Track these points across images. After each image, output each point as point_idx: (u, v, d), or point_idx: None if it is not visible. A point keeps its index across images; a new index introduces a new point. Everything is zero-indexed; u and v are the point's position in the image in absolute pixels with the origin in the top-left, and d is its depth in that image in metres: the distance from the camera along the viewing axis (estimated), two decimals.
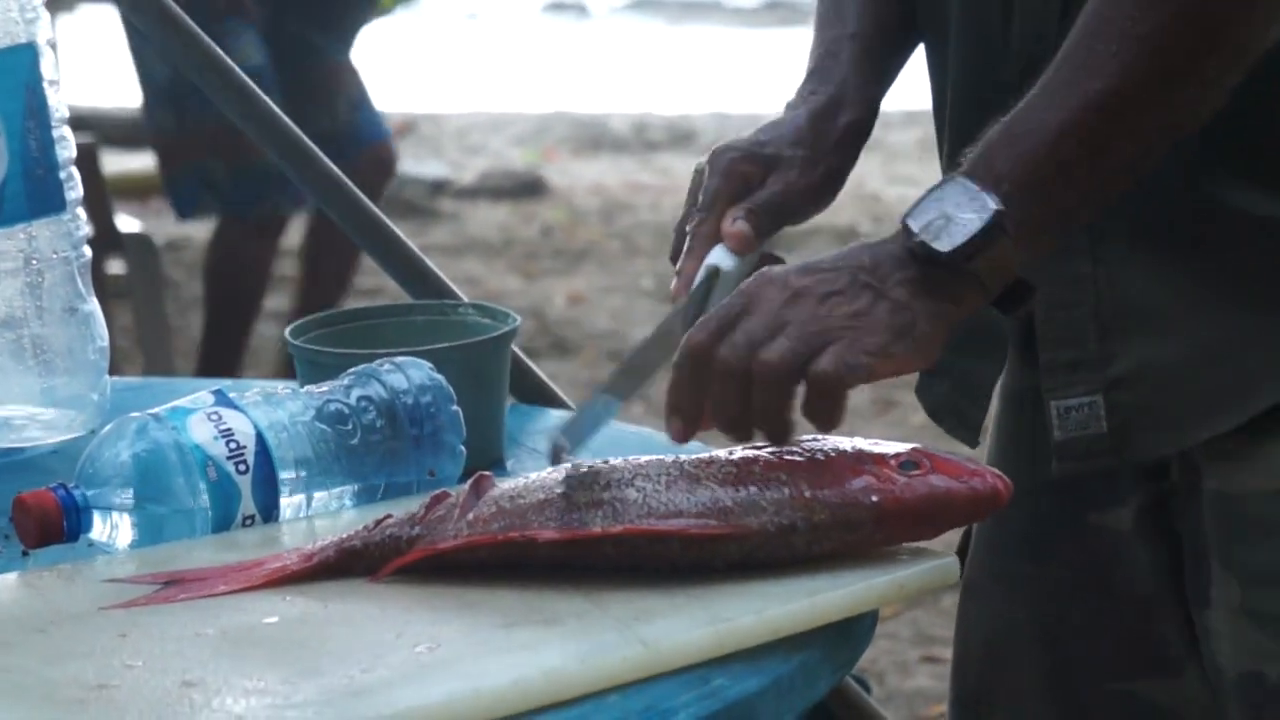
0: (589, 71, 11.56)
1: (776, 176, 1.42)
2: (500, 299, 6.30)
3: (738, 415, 1.24)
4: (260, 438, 1.32)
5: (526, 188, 7.99)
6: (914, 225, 1.27)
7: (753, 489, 1.21)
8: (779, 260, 1.42)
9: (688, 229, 1.42)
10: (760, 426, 1.24)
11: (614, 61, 11.93)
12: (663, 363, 1.34)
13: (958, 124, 1.47)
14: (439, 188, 7.98)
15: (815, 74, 1.49)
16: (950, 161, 1.46)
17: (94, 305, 1.58)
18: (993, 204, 1.25)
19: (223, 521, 1.31)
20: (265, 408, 1.34)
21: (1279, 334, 1.39)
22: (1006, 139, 1.28)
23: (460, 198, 7.92)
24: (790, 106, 1.48)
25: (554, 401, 1.76)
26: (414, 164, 8.07)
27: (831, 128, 1.46)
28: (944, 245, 1.25)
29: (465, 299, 1.67)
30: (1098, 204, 1.32)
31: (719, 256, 1.38)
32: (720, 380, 1.24)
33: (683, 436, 1.25)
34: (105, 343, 1.59)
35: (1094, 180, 1.30)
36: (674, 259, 1.43)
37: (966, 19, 1.46)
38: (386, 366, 1.38)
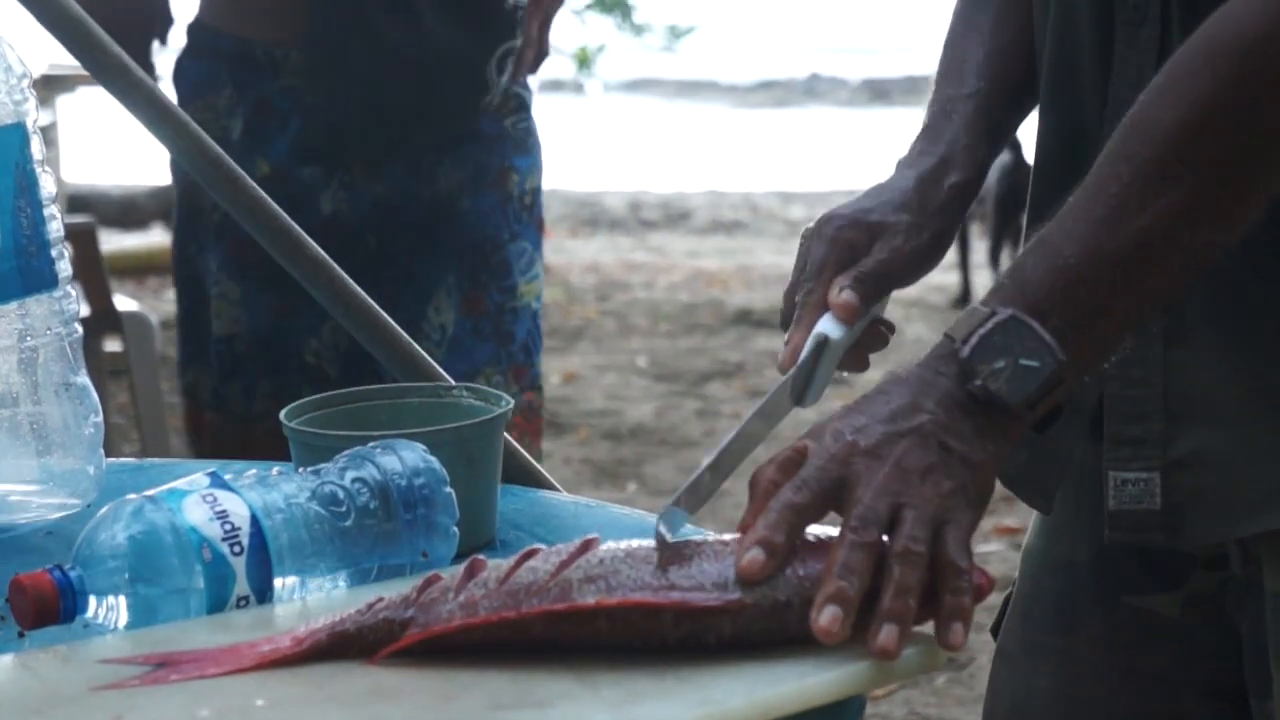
0: (586, 149, 11.60)
1: (882, 243, 1.44)
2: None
3: (864, 588, 1.19)
4: (255, 520, 1.33)
5: None
6: (977, 367, 1.25)
7: None
8: (890, 326, 1.46)
9: (797, 299, 1.44)
10: (896, 601, 1.19)
11: (610, 139, 11.97)
12: (767, 433, 1.37)
13: (1043, 183, 1.49)
14: None
15: (927, 132, 1.51)
16: (1033, 216, 1.49)
17: (87, 381, 1.60)
18: (1058, 353, 1.25)
19: (217, 602, 1.31)
20: (260, 490, 1.35)
21: None
22: (1050, 272, 1.27)
23: None
24: (900, 165, 1.50)
25: (541, 483, 1.77)
26: None
27: (938, 191, 1.47)
28: (1012, 397, 1.25)
29: (453, 382, 1.69)
30: (1137, 330, 1.33)
31: (827, 325, 1.41)
32: (858, 550, 1.20)
33: (760, 573, 1.20)
34: (99, 418, 1.60)
35: (1134, 312, 1.30)
36: (784, 326, 1.45)
37: (1058, 90, 1.48)
38: (380, 449, 1.39)
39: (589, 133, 12.13)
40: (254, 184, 1.91)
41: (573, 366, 6.61)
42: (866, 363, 1.48)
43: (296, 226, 1.90)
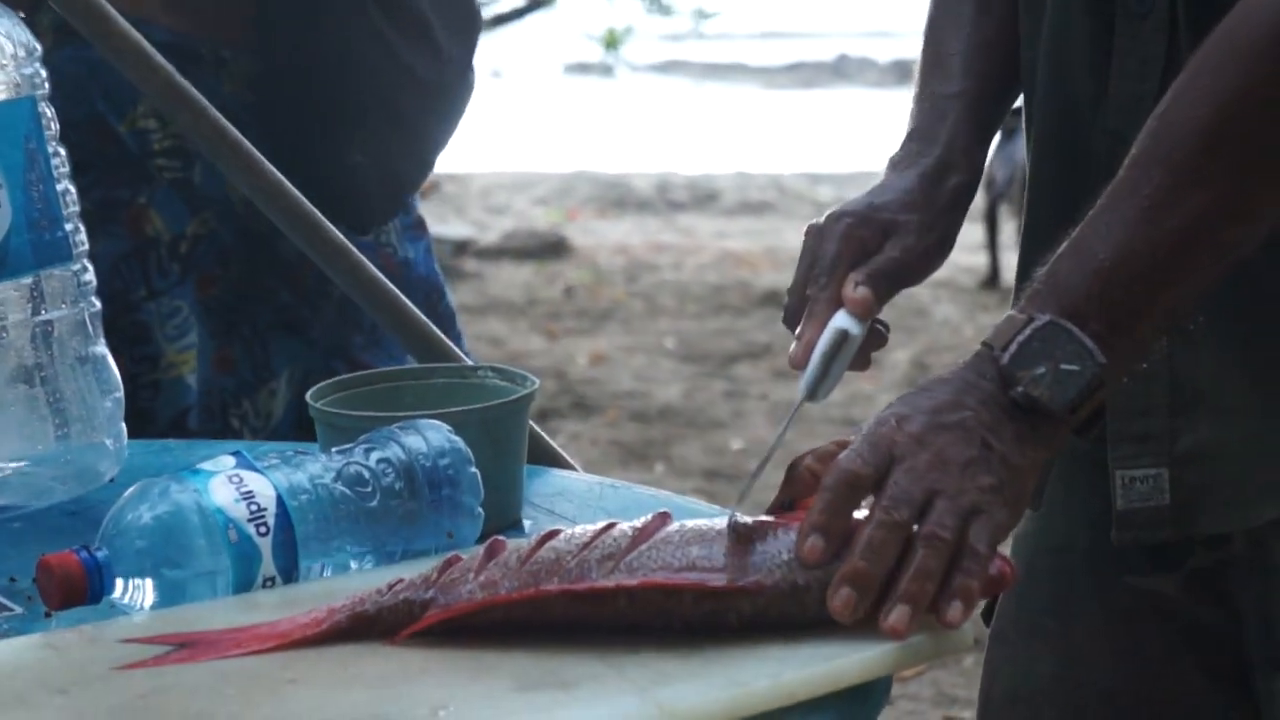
0: (613, 131, 11.61)
1: (894, 242, 1.44)
2: (523, 359, 6.31)
3: (885, 570, 1.20)
4: (281, 500, 1.33)
5: (550, 248, 8.03)
6: (1018, 374, 1.25)
7: (767, 547, 1.22)
8: (886, 327, 1.46)
9: (809, 293, 1.43)
10: (914, 584, 1.19)
11: (637, 121, 11.96)
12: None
13: (1038, 182, 1.49)
14: (462, 247, 8.01)
15: (920, 133, 1.51)
16: (1029, 214, 1.48)
17: (106, 354, 1.60)
18: (1099, 356, 1.25)
19: (244, 583, 1.32)
20: (285, 470, 1.35)
21: None
22: (1085, 276, 1.27)
23: (484, 258, 7.96)
24: (894, 164, 1.50)
25: (557, 463, 1.77)
26: (438, 224, 8.12)
27: (942, 191, 1.48)
28: (1055, 402, 1.25)
29: (469, 361, 1.68)
30: (1173, 327, 1.33)
31: (845, 321, 1.41)
32: (885, 530, 1.21)
33: (822, 557, 1.21)
34: (120, 393, 1.60)
35: (1171, 310, 1.30)
36: (789, 323, 1.44)
37: (1054, 82, 1.47)
38: (405, 429, 1.39)
39: (617, 115, 12.12)
40: (272, 167, 1.91)
41: (600, 348, 6.62)
42: (869, 361, 1.48)
43: (314, 209, 1.90)
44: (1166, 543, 1.47)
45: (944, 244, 1.47)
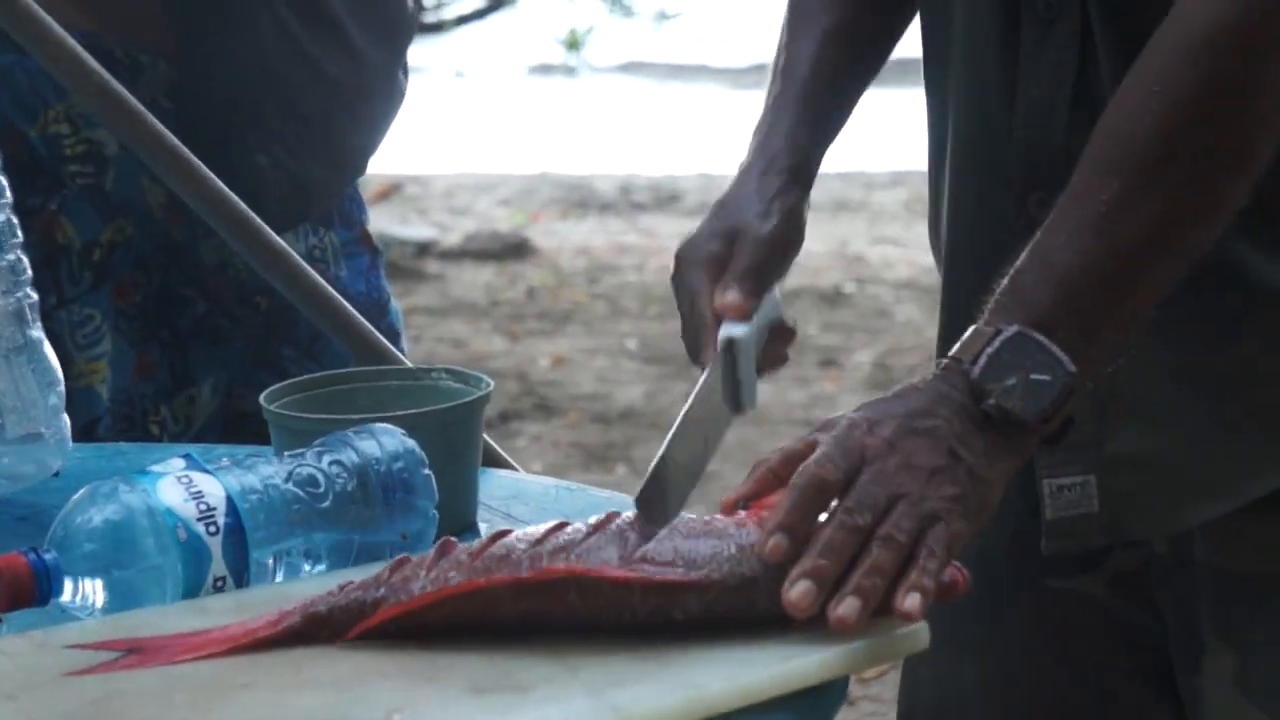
0: (576, 132, 11.59)
1: (741, 240, 1.42)
2: (484, 360, 6.30)
3: (842, 570, 1.20)
4: (231, 500, 1.32)
5: (512, 249, 8.01)
6: (988, 386, 1.25)
7: (715, 541, 1.22)
8: (791, 331, 1.44)
9: (693, 326, 1.41)
10: (866, 579, 1.19)
11: (601, 122, 11.96)
12: (715, 446, 1.36)
13: (957, 195, 1.48)
14: (425, 249, 8.00)
15: (755, 134, 1.50)
16: (952, 227, 1.47)
17: (44, 342, 1.58)
18: (1069, 365, 1.25)
19: (194, 583, 1.31)
20: (237, 471, 1.34)
21: (1275, 417, 1.39)
22: (1049, 286, 1.27)
23: (446, 259, 7.94)
24: (739, 171, 1.49)
25: (498, 463, 1.77)
26: (400, 225, 8.11)
27: (771, 178, 1.46)
28: (1028, 414, 1.25)
29: (409, 364, 1.68)
30: (1136, 329, 1.33)
31: (729, 329, 1.39)
32: (845, 531, 1.21)
33: (785, 556, 1.20)
34: (61, 385, 1.58)
35: (1135, 313, 1.30)
36: (694, 359, 1.42)
37: (968, 92, 1.47)
38: (360, 433, 1.38)
39: (580, 116, 12.12)
40: (211, 174, 1.90)
41: (562, 350, 6.61)
42: (785, 357, 1.47)
43: (253, 214, 1.89)
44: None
45: (790, 222, 1.45)
